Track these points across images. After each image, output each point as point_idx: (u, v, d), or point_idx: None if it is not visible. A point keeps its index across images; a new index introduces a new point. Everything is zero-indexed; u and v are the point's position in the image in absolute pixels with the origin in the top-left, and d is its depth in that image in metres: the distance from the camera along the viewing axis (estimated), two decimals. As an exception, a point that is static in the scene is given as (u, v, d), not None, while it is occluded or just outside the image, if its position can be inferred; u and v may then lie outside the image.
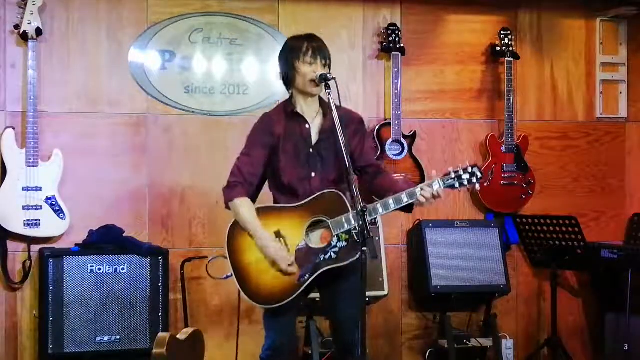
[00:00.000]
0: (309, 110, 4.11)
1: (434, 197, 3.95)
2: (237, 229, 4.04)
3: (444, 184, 3.95)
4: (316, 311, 5.22)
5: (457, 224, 5.75)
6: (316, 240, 3.99)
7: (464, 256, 5.67)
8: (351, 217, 3.91)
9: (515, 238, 5.92)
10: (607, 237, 6.13)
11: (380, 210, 3.96)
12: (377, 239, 5.45)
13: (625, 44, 6.31)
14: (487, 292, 5.73)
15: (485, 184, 5.86)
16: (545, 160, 6.14)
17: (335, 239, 3.95)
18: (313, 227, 4.00)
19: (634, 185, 6.31)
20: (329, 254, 3.95)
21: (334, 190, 3.99)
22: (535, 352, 5.92)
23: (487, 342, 5.70)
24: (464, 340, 5.66)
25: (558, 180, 6.19)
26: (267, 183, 4.19)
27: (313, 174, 4.05)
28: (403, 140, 5.71)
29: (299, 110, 4.10)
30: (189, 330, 4.06)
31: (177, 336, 3.88)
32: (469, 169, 3.96)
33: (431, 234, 5.67)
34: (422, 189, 3.94)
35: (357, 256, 3.79)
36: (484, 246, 5.72)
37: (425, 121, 5.92)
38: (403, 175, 5.71)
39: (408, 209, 4.07)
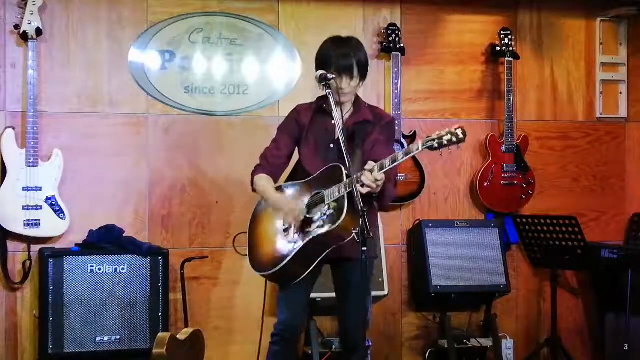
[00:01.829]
0: (340, 109, 4.15)
1: (375, 181, 3.87)
2: (257, 208, 4.33)
3: (424, 145, 3.79)
4: (316, 311, 5.22)
5: (457, 224, 5.75)
6: (318, 212, 4.08)
7: (464, 256, 5.67)
8: (342, 185, 3.96)
9: (515, 238, 5.92)
10: (607, 237, 6.13)
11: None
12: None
13: (625, 44, 6.31)
14: (487, 292, 5.73)
15: (485, 184, 5.87)
16: (545, 160, 6.14)
17: (325, 208, 4.04)
18: (314, 198, 4.11)
19: (634, 185, 6.30)
20: (318, 222, 4.04)
21: (336, 163, 4.05)
22: (535, 352, 5.92)
23: (487, 342, 5.70)
24: (464, 340, 5.66)
25: (558, 180, 6.19)
26: None
27: None
28: (403, 140, 5.71)
29: (329, 109, 4.16)
30: (189, 330, 4.07)
31: (177, 336, 3.88)
32: (452, 129, 3.77)
33: (431, 234, 5.67)
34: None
35: (338, 223, 3.91)
36: (484, 246, 5.72)
37: (425, 121, 5.92)
38: (403, 175, 5.71)
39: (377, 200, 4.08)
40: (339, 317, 4.34)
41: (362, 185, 3.86)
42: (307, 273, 4.12)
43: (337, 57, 4.15)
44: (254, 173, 4.29)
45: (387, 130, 4.28)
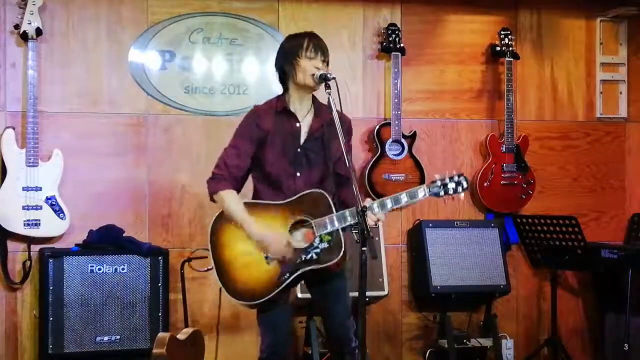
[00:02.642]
0: (302, 108, 4.11)
1: (377, 220, 3.89)
2: (220, 222, 4.05)
3: (429, 191, 3.94)
4: (316, 311, 5.21)
5: (457, 224, 5.75)
6: (299, 239, 3.98)
7: (464, 256, 5.67)
8: (335, 218, 3.90)
9: (515, 238, 5.92)
10: (607, 237, 6.13)
11: (349, 219, 3.89)
12: (377, 239, 5.46)
13: (625, 44, 6.31)
14: (487, 292, 5.73)
15: (485, 184, 5.87)
16: (545, 160, 6.14)
17: (317, 240, 3.94)
18: (296, 226, 3.99)
19: (634, 185, 6.31)
20: (310, 255, 3.95)
21: (319, 190, 3.98)
22: (535, 352, 5.92)
23: (487, 342, 5.70)
24: (464, 340, 5.66)
25: (558, 180, 6.19)
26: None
27: (298, 174, 4.05)
28: (403, 140, 5.71)
29: (291, 107, 4.10)
30: (189, 330, 4.06)
31: (177, 336, 3.88)
32: (455, 178, 3.95)
33: (431, 234, 5.67)
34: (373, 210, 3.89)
35: (337, 258, 3.87)
36: (484, 246, 5.73)
37: (425, 121, 5.92)
38: (403, 175, 5.71)
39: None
40: (324, 322, 4.24)
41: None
42: (286, 297, 4.07)
43: (314, 39, 4.06)
44: (216, 185, 4.03)
45: (350, 135, 4.18)
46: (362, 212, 3.71)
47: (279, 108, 4.09)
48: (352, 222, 3.87)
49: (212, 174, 4.08)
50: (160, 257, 5.17)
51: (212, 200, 4.07)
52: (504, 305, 5.98)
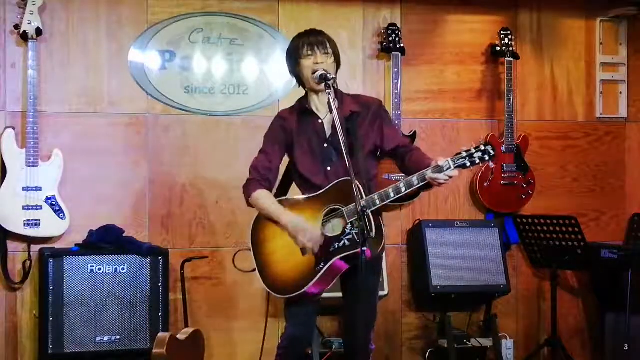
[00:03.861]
0: (322, 105, 4.15)
1: (446, 179, 3.91)
2: (259, 222, 4.14)
3: (454, 163, 3.89)
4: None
5: (457, 224, 5.75)
6: (336, 229, 4.01)
7: (464, 256, 5.67)
8: (364, 203, 3.89)
9: (515, 238, 5.92)
10: (607, 237, 6.13)
11: (378, 202, 3.93)
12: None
13: (625, 44, 6.31)
14: (487, 292, 5.73)
15: (485, 184, 5.87)
16: (545, 160, 6.14)
17: (349, 226, 3.96)
18: (330, 216, 4.03)
19: (634, 185, 6.31)
20: (342, 242, 3.97)
21: (347, 178, 3.96)
22: (535, 352, 5.92)
23: (487, 342, 5.70)
24: (464, 340, 5.65)
25: (558, 180, 6.19)
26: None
27: (328, 168, 4.10)
28: (403, 140, 5.71)
29: (312, 107, 4.16)
30: (189, 330, 4.07)
31: (177, 336, 3.88)
32: (482, 147, 3.90)
33: (431, 234, 5.67)
34: (432, 172, 3.90)
35: (373, 245, 3.81)
36: (484, 246, 5.72)
37: (425, 121, 5.93)
38: (403, 175, 5.70)
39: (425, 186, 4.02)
40: (345, 318, 4.26)
41: (439, 185, 3.91)
42: (326, 289, 4.07)
43: (308, 36, 4.12)
44: (249, 189, 4.15)
45: (381, 115, 4.21)
46: (362, 212, 3.71)
47: (300, 109, 4.19)
48: (382, 204, 3.90)
49: (246, 181, 4.19)
50: (160, 257, 5.17)
51: (249, 204, 4.17)
52: (504, 305, 5.98)
